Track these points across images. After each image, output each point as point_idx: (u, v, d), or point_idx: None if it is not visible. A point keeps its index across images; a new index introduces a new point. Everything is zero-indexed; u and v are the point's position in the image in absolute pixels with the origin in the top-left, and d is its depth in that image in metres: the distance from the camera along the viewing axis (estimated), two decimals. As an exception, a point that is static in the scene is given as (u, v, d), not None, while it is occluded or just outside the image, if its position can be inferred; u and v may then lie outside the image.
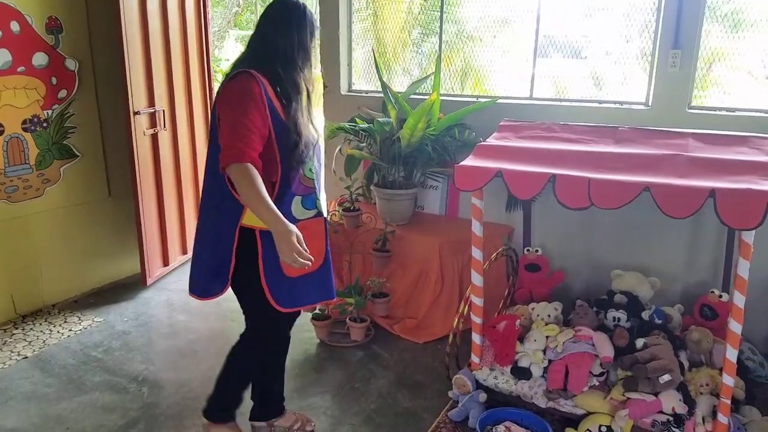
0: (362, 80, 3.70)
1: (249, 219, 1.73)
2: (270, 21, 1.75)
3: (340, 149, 3.24)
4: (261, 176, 1.61)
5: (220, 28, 10.20)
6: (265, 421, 2.13)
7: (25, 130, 2.95)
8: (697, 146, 2.05)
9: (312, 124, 1.81)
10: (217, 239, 1.79)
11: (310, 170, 1.82)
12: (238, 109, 1.63)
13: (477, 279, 2.19)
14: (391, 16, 4.21)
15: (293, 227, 1.61)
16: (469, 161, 2.07)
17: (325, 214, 1.93)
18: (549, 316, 2.38)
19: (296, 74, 1.74)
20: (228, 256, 1.77)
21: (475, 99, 3.24)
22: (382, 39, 4.14)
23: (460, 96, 3.36)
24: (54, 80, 3.04)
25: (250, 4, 12.55)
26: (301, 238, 1.62)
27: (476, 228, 2.14)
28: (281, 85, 1.71)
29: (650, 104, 2.83)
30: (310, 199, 1.84)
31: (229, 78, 1.69)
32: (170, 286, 3.52)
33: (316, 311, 2.90)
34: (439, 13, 3.30)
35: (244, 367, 1.99)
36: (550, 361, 2.19)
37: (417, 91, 3.27)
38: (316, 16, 1.86)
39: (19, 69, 2.87)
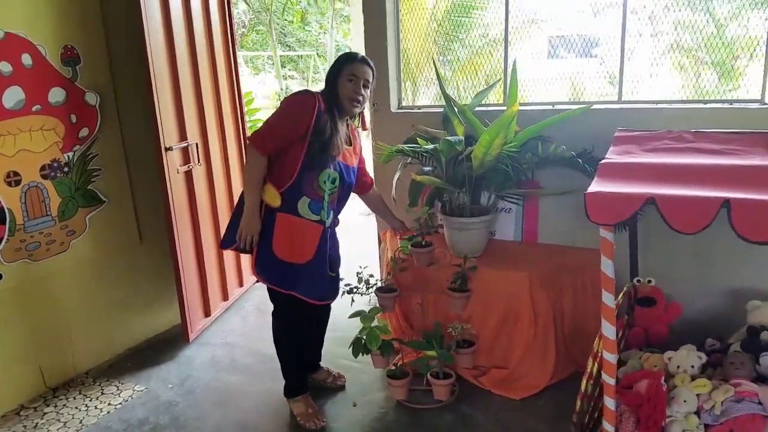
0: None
1: (269, 198, 2.16)
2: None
3: (399, 176, 2.82)
4: (276, 171, 2.15)
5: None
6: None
7: (44, 177, 2.58)
8: None
9: (341, 140, 2.19)
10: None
11: (325, 182, 2.17)
12: (279, 113, 2.13)
13: (609, 330, 1.74)
14: (412, 25, 3.85)
15: (258, 224, 2.16)
16: (599, 186, 1.64)
17: (328, 225, 2.26)
18: (692, 366, 1.93)
19: (333, 102, 2.18)
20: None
21: (550, 107, 2.83)
22: (406, 50, 3.78)
23: (530, 105, 2.93)
24: (73, 118, 2.68)
25: (255, 23, 12.32)
26: (257, 234, 2.16)
27: (607, 268, 1.70)
28: (328, 105, 2.17)
29: (767, 101, 2.40)
30: (317, 205, 2.19)
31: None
32: (213, 340, 3.12)
33: (391, 368, 2.48)
34: (464, 18, 3.00)
35: (276, 337, 2.36)
36: (706, 426, 1.76)
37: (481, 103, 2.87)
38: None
39: (34, 108, 2.51)
